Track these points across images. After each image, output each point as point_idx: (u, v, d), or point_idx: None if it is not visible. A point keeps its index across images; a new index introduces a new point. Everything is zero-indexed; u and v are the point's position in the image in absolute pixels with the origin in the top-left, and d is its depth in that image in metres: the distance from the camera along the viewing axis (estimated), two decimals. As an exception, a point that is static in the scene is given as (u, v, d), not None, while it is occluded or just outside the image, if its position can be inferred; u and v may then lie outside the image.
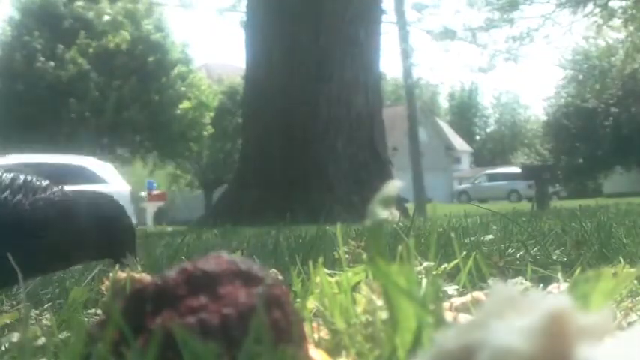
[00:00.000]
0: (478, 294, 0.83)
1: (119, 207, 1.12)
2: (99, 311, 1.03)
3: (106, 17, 17.00)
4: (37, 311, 1.03)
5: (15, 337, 0.82)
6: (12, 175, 0.97)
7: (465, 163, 41.46)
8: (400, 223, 2.02)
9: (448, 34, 17.39)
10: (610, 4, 16.08)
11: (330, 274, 0.84)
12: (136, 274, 0.95)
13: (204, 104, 18.74)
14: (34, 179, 0.98)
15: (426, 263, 0.97)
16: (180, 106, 17.67)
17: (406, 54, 13.38)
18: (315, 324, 0.68)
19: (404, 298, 0.51)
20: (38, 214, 0.94)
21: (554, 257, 1.34)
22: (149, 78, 17.05)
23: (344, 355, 0.63)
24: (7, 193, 0.94)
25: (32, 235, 0.93)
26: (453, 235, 1.18)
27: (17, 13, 17.59)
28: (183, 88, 17.83)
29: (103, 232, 1.06)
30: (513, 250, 1.43)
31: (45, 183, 0.98)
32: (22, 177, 0.97)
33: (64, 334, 0.80)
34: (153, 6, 18.31)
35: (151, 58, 17.08)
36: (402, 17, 13.63)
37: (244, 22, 9.14)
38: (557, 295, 0.77)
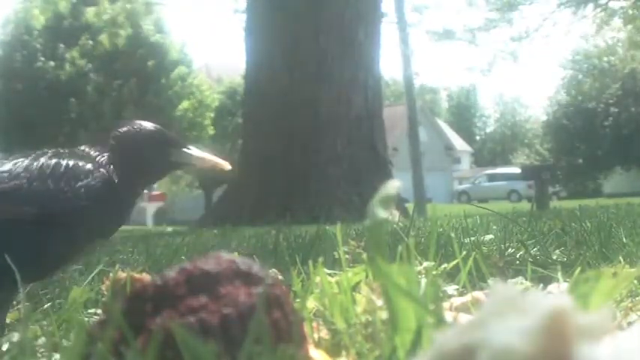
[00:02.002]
0: (478, 294, 0.83)
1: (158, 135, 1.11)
2: (99, 311, 1.03)
3: (106, 16, 16.97)
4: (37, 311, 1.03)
5: (15, 337, 0.82)
6: (54, 160, 0.97)
7: (465, 163, 41.45)
8: (400, 223, 2.02)
9: (447, 35, 17.39)
10: (610, 4, 16.09)
11: (330, 274, 0.84)
12: (135, 274, 0.95)
13: (205, 105, 18.73)
14: (78, 163, 0.98)
15: (426, 263, 0.97)
16: (180, 106, 17.66)
17: (406, 54, 13.38)
18: (315, 324, 0.68)
19: (404, 298, 0.50)
20: (77, 202, 0.94)
21: (554, 257, 1.34)
22: (149, 79, 17.03)
23: (344, 355, 0.63)
24: (49, 181, 0.94)
25: (70, 224, 0.94)
26: (452, 235, 1.18)
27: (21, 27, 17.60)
28: (182, 90, 17.82)
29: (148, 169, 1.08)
30: (513, 250, 1.43)
31: (88, 166, 0.99)
32: (64, 162, 0.98)
33: (63, 334, 0.80)
34: (152, 6, 18.30)
35: (150, 61, 17.06)
36: (402, 18, 13.62)
37: (244, 22, 9.13)
38: (557, 295, 0.77)
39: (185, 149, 1.09)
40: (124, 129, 1.08)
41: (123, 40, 16.67)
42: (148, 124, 1.11)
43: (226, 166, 1.09)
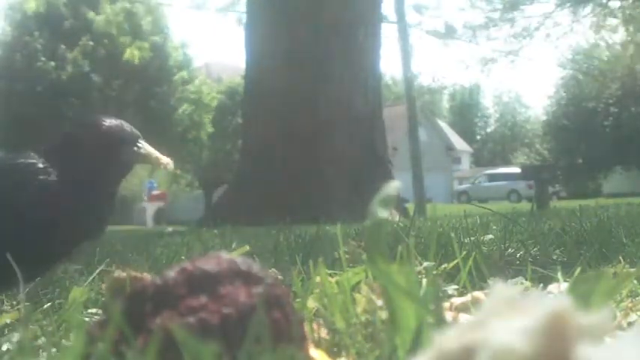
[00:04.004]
0: (478, 294, 0.83)
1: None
2: (99, 311, 1.03)
3: (111, 25, 16.93)
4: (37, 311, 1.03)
5: (15, 337, 0.82)
6: None
7: (465, 163, 41.44)
8: (400, 223, 2.02)
9: (448, 33, 17.38)
10: (610, 3, 16.09)
11: (330, 274, 0.84)
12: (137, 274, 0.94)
13: (204, 104, 18.73)
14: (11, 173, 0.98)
15: (426, 263, 0.97)
16: (180, 110, 17.67)
17: (406, 54, 13.38)
18: (315, 324, 0.68)
19: (404, 298, 0.50)
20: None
21: (554, 257, 1.34)
22: (150, 81, 17.03)
23: (344, 355, 0.63)
24: None
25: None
26: (452, 235, 1.18)
27: (17, 13, 17.59)
28: (183, 93, 17.81)
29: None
30: (513, 250, 1.43)
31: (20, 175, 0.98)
32: None
33: (63, 334, 0.80)
34: (153, 6, 18.28)
35: (152, 63, 17.05)
36: (402, 17, 13.62)
37: (244, 21, 9.14)
38: (557, 295, 0.77)
39: (136, 147, 1.06)
40: (72, 130, 1.06)
41: (148, 52, 16.59)
42: (100, 122, 1.08)
43: (169, 164, 1.07)
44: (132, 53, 15.88)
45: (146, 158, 1.06)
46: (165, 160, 1.07)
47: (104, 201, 1.05)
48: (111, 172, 1.08)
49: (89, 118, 1.09)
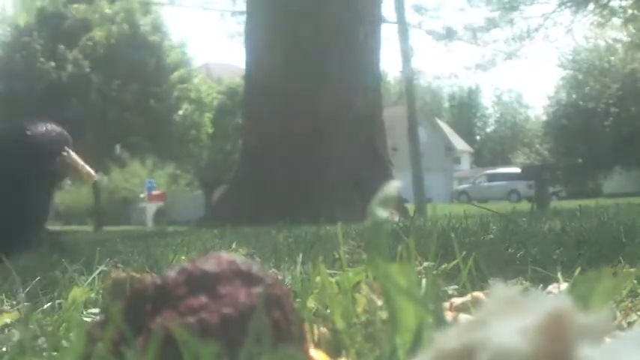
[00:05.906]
0: (478, 294, 0.83)
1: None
2: (99, 311, 1.03)
3: (103, 11, 16.94)
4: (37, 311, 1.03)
5: (15, 337, 0.82)
6: None
7: (465, 163, 41.43)
8: (400, 223, 2.02)
9: (448, 34, 17.39)
10: (611, 3, 16.08)
11: (330, 274, 0.84)
12: (135, 273, 0.94)
13: (204, 104, 18.74)
14: None
15: (426, 263, 0.97)
16: (180, 112, 17.67)
17: (406, 54, 13.38)
18: (315, 324, 0.68)
19: (404, 298, 0.50)
20: None
21: (554, 257, 1.34)
22: (148, 80, 17.03)
23: (344, 355, 0.63)
24: None
25: None
26: (452, 235, 1.18)
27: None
28: (181, 93, 17.81)
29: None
30: (513, 250, 1.43)
31: None
32: None
33: (63, 334, 0.80)
34: (151, 5, 18.27)
35: (151, 63, 17.04)
36: (403, 17, 13.62)
37: (244, 22, 9.14)
38: (557, 295, 0.77)
39: (61, 156, 1.05)
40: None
41: (116, 35, 16.63)
42: (25, 132, 1.07)
43: (93, 176, 1.08)
44: (100, 35, 15.96)
45: (71, 167, 1.06)
46: (90, 171, 1.07)
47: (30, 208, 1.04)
48: (37, 181, 1.07)
49: (16, 127, 1.09)
